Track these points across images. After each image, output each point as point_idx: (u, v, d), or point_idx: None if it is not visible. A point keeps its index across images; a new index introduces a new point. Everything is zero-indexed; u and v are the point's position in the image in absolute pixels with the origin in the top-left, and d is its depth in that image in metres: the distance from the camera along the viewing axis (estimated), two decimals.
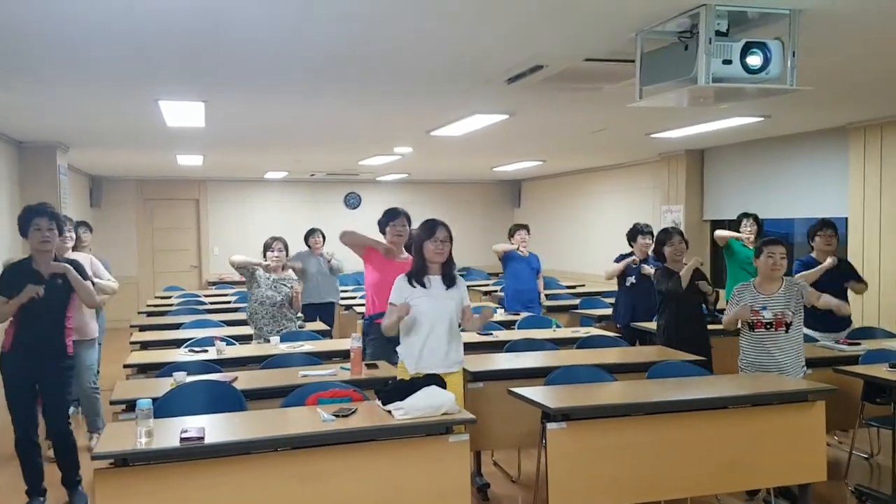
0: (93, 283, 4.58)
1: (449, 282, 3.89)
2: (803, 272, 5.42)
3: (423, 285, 3.85)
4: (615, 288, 6.89)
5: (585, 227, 11.48)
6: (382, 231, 4.98)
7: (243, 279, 5.95)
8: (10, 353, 4.22)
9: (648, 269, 6.23)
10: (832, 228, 5.56)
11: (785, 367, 4.26)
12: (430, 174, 12.28)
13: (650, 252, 6.41)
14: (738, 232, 6.50)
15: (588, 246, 11.25)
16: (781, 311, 4.27)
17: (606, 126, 6.69)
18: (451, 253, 3.93)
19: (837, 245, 5.58)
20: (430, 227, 3.88)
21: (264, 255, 5.75)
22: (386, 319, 3.85)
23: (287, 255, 5.82)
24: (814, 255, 5.59)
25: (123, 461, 2.90)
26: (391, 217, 4.94)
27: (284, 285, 5.65)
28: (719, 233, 6.62)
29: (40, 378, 4.23)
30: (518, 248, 7.17)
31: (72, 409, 4.71)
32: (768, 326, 4.27)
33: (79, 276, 4.28)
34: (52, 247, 4.22)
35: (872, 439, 5.14)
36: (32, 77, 4.42)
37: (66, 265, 4.24)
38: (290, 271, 5.84)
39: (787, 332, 4.26)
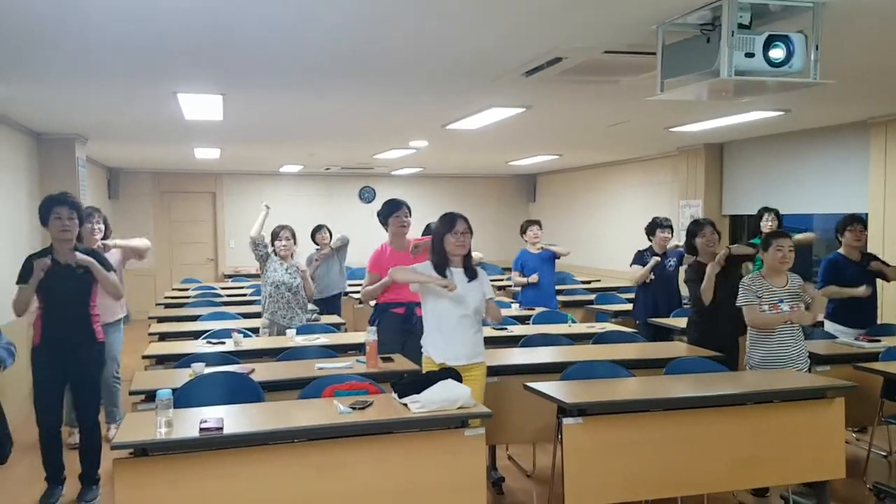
0: (115, 270, 4.58)
1: (471, 274, 3.91)
2: (831, 288, 5.35)
3: (446, 277, 3.85)
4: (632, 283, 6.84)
5: (601, 222, 11.42)
6: (384, 223, 4.96)
7: (258, 272, 6.03)
8: (39, 347, 4.24)
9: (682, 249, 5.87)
10: (862, 223, 5.51)
11: (800, 360, 4.30)
12: (444, 168, 12.26)
13: (669, 246, 6.37)
14: (759, 226, 6.43)
15: (604, 241, 11.19)
16: (797, 304, 4.27)
17: (624, 119, 6.65)
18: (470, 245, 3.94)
19: (866, 241, 5.53)
20: (450, 220, 3.92)
21: (273, 244, 5.87)
22: (408, 275, 3.88)
23: (295, 243, 5.94)
24: (842, 250, 5.52)
25: (143, 451, 2.93)
26: (393, 208, 4.94)
27: (298, 271, 5.85)
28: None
29: (69, 369, 4.24)
30: (530, 245, 7.09)
31: None
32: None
33: (102, 269, 4.27)
34: (72, 236, 4.21)
35: (892, 437, 5.09)
36: (51, 70, 4.44)
37: (91, 259, 4.22)
38: (297, 259, 6.00)
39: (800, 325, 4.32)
